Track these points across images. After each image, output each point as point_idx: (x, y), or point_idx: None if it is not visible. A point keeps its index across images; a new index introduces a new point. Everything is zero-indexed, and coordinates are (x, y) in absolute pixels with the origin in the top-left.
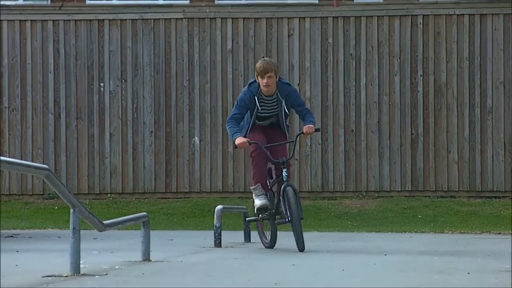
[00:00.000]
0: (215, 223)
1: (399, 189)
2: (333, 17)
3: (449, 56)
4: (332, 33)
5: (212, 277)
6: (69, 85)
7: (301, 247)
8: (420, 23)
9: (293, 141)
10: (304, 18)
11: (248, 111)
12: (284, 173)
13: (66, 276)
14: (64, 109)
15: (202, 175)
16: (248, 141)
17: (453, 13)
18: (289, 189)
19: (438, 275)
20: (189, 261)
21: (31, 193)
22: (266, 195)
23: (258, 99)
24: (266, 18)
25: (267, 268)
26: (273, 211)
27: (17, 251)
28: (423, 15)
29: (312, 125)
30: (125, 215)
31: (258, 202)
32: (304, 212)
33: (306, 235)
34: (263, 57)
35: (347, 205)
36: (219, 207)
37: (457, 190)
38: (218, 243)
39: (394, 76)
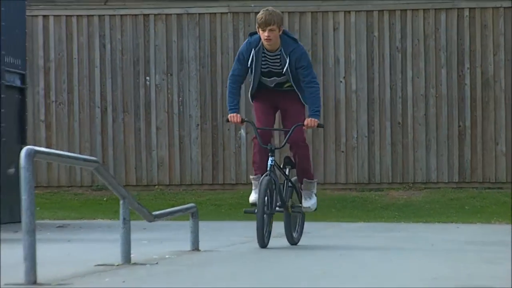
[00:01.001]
0: None
1: (446, 181)
2: (378, 10)
3: (496, 49)
4: (377, 26)
5: (260, 266)
6: (115, 79)
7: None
8: (466, 16)
9: (289, 130)
10: (349, 11)
11: (250, 68)
12: (270, 161)
13: (117, 265)
14: (110, 103)
15: (249, 167)
16: (242, 119)
17: (500, 5)
18: (265, 179)
19: (486, 265)
20: (237, 250)
21: (80, 185)
22: None
23: (257, 54)
24: (311, 12)
25: (313, 257)
26: (287, 203)
27: (69, 241)
28: (470, 8)
29: (316, 120)
30: (172, 206)
31: (253, 196)
32: (351, 203)
33: (353, 226)
34: (309, 50)
35: (394, 196)
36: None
37: (505, 181)
38: None
39: (440, 69)
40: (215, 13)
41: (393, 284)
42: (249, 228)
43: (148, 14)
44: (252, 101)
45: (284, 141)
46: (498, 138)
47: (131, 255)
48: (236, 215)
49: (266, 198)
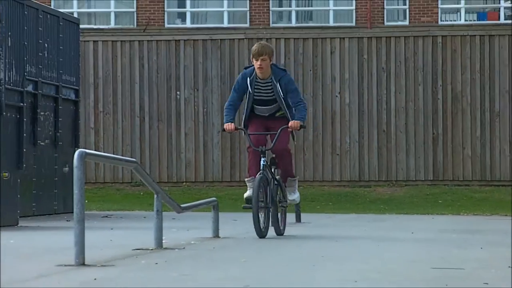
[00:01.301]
0: None
1: (423, 179)
2: (367, 37)
3: (463, 69)
4: (367, 50)
5: (271, 250)
6: (152, 93)
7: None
8: (439, 42)
9: (276, 133)
10: (343, 38)
11: (246, 97)
12: (262, 162)
13: (151, 250)
14: (147, 113)
15: None
16: (236, 127)
17: (466, 34)
18: (258, 176)
19: (456, 250)
20: (251, 237)
21: (121, 181)
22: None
23: (251, 82)
24: (313, 38)
25: (316, 243)
26: (275, 199)
27: (111, 229)
28: (442, 36)
29: (299, 122)
30: (197, 200)
31: (248, 192)
32: (344, 197)
33: (346, 217)
34: (310, 70)
35: (379, 192)
36: None
37: (471, 179)
38: None
39: (418, 86)
40: (233, 39)
41: (379, 265)
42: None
43: (179, 40)
44: (246, 129)
45: (272, 144)
46: (465, 143)
47: (163, 241)
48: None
49: (259, 193)
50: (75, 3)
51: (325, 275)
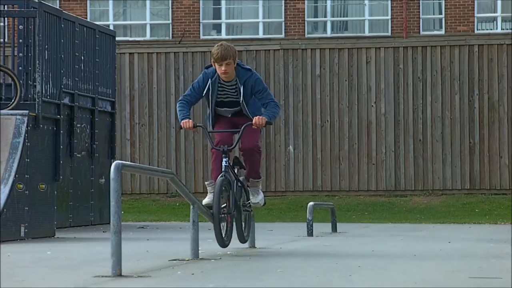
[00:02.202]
0: (307, 216)
1: (459, 188)
2: (403, 47)
3: (500, 78)
4: (402, 60)
5: (307, 260)
6: None
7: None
8: (476, 51)
9: (239, 131)
10: (379, 48)
11: (206, 98)
12: (224, 163)
13: (188, 260)
14: None
15: (296, 177)
16: (194, 124)
17: (503, 43)
18: (219, 179)
19: (494, 259)
20: (287, 247)
21: (157, 192)
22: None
23: (214, 84)
24: (348, 48)
25: (352, 253)
26: (239, 203)
27: (148, 240)
28: (478, 45)
29: (264, 118)
30: None
31: (207, 198)
32: (380, 207)
33: (383, 227)
34: (345, 80)
35: (416, 201)
36: (311, 203)
37: (508, 188)
38: (310, 233)
39: (454, 95)
40: (269, 50)
41: (417, 275)
42: (296, 229)
43: None
44: (213, 128)
45: (236, 142)
46: (502, 152)
47: (199, 252)
48: (285, 218)
49: (220, 199)
50: (111, 15)
51: (362, 285)
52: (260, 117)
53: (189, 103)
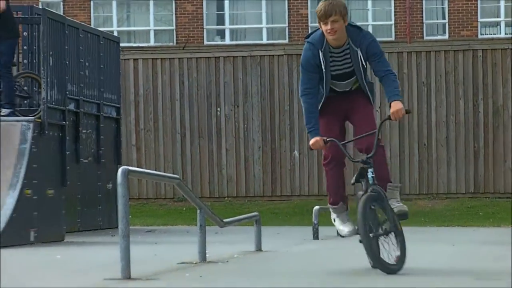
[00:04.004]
0: (313, 220)
1: (464, 192)
2: (407, 52)
3: (504, 82)
4: (406, 65)
5: (313, 263)
6: (192, 110)
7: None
8: (480, 55)
9: (375, 131)
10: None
11: (320, 74)
12: (370, 175)
13: (195, 263)
14: (188, 129)
15: (301, 181)
16: (323, 140)
17: (507, 47)
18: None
19: (497, 262)
20: (293, 250)
21: (164, 197)
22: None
23: (324, 55)
24: None
25: (355, 255)
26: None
27: (155, 243)
28: (482, 49)
29: (401, 105)
30: (239, 215)
31: (344, 229)
32: None
33: None
34: None
35: (420, 205)
36: (316, 207)
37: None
38: (316, 236)
39: (459, 100)
40: (273, 55)
41: (423, 277)
42: (302, 233)
43: (219, 57)
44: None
45: (375, 146)
46: (506, 156)
47: (207, 255)
48: (291, 222)
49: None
50: (114, 21)
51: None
52: (397, 107)
53: (314, 94)
